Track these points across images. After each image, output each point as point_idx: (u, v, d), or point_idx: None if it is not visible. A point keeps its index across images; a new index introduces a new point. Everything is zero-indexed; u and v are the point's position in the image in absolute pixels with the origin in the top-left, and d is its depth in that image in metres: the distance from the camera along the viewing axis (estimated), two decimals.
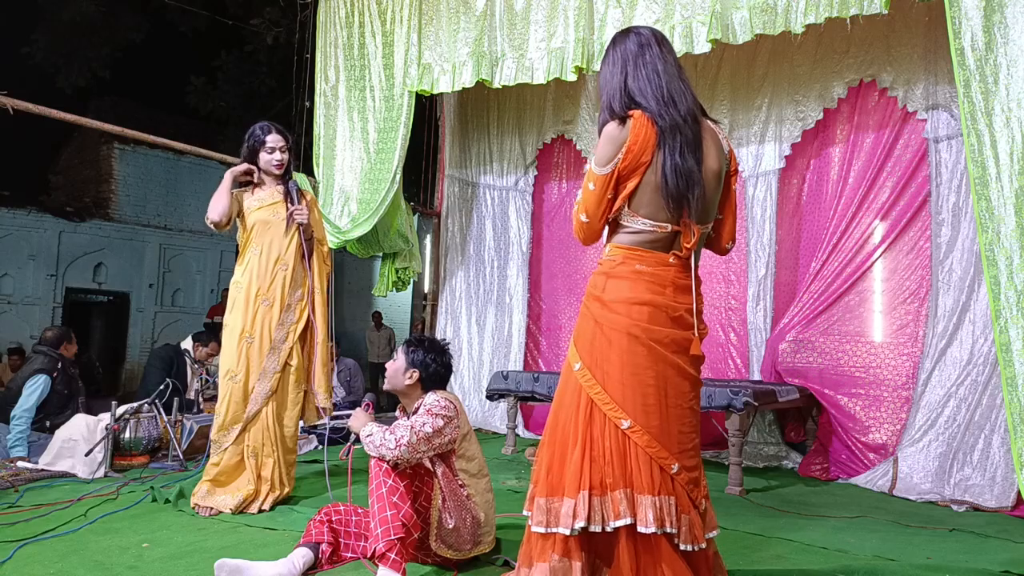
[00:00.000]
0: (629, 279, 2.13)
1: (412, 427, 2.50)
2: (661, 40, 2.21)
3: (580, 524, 2.01)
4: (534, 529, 2.10)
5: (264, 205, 3.69)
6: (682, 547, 2.05)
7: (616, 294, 2.13)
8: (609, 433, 2.08)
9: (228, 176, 3.69)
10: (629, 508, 2.02)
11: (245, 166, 3.73)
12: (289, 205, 3.67)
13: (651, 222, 2.12)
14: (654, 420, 2.08)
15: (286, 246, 3.66)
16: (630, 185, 2.10)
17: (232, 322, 3.59)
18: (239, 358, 3.53)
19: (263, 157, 3.72)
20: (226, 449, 3.47)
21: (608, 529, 2.03)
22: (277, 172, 3.74)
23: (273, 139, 3.73)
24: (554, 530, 2.05)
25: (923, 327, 4.67)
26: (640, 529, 2.01)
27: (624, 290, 2.13)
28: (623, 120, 2.10)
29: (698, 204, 2.11)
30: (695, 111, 2.16)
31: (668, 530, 2.02)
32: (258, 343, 3.56)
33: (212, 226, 3.65)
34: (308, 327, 3.72)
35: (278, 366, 3.58)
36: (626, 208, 2.14)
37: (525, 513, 2.19)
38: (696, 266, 2.22)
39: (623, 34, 2.25)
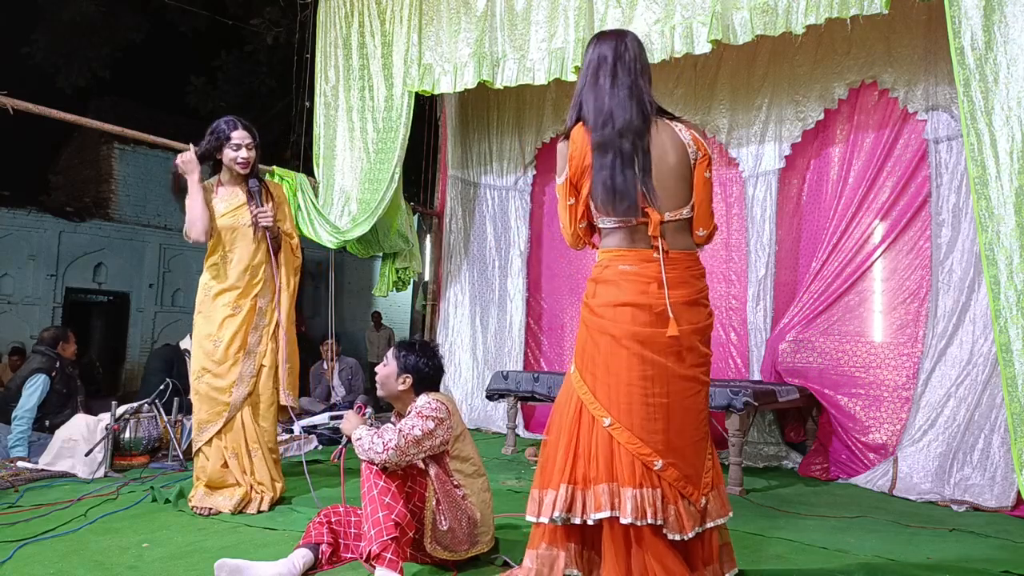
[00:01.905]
0: (614, 282, 2.24)
1: (400, 431, 2.49)
2: (623, 51, 2.27)
3: (559, 514, 2.15)
4: (527, 518, 2.26)
5: (228, 210, 3.53)
6: (670, 536, 2.11)
7: (602, 298, 2.25)
8: (597, 431, 2.19)
9: (196, 186, 3.43)
10: (610, 501, 2.12)
11: (195, 165, 3.47)
12: (253, 208, 3.52)
13: (615, 218, 2.24)
14: (636, 419, 2.15)
15: (254, 251, 3.54)
16: (584, 190, 2.27)
17: (199, 323, 3.55)
18: (206, 359, 3.50)
19: (227, 154, 3.51)
20: (203, 449, 3.48)
21: (589, 521, 2.15)
22: (242, 172, 3.54)
23: (239, 135, 3.50)
24: (540, 519, 2.21)
25: (923, 327, 4.66)
26: (621, 520, 2.10)
27: (609, 294, 2.24)
28: (567, 135, 2.30)
29: (631, 211, 2.19)
30: (638, 123, 2.21)
31: (651, 521, 2.08)
32: (225, 345, 3.49)
33: (193, 243, 3.50)
34: (278, 327, 3.64)
35: (253, 370, 3.56)
36: (595, 210, 2.28)
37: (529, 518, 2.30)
38: (695, 256, 2.30)
39: (597, 38, 2.35)
